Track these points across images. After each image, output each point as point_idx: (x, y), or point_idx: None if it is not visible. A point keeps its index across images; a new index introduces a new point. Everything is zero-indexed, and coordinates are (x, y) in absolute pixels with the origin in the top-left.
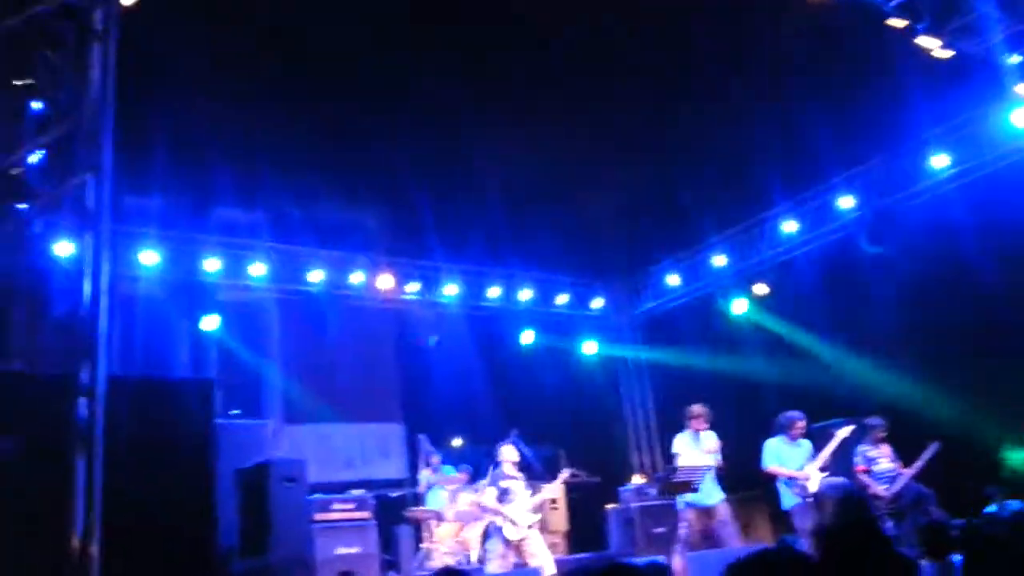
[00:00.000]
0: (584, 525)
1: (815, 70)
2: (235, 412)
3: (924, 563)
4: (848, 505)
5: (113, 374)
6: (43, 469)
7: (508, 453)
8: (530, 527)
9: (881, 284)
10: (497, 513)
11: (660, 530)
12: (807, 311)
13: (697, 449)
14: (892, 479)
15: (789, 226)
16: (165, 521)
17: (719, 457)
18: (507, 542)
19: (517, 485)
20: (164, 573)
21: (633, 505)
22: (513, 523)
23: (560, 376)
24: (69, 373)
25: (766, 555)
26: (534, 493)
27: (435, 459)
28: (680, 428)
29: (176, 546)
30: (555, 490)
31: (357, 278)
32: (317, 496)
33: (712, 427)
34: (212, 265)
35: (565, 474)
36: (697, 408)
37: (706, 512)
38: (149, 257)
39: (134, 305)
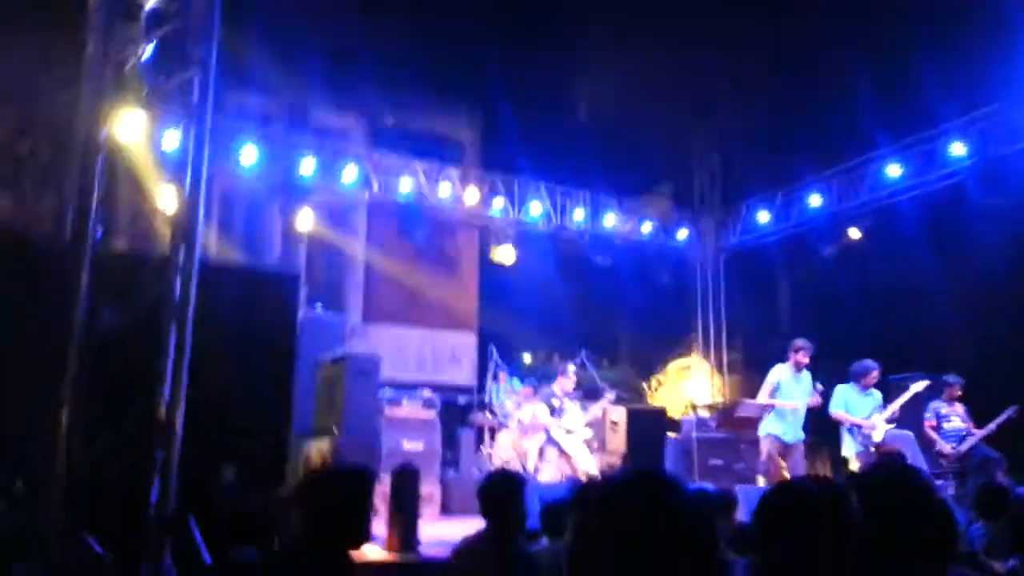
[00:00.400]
0: (643, 450)
1: (933, 16)
2: (319, 307)
3: (978, 524)
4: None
5: (207, 259)
6: (137, 342)
7: (565, 375)
8: (583, 441)
9: (988, 237)
10: (552, 426)
11: (717, 462)
12: (905, 259)
13: (795, 384)
14: (961, 438)
15: (893, 170)
16: (245, 400)
17: (815, 395)
18: (562, 453)
19: (568, 403)
20: (240, 447)
21: (693, 435)
22: (568, 432)
23: (638, 303)
24: (166, 255)
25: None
26: (586, 412)
27: (502, 373)
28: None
29: (253, 423)
30: (615, 412)
31: (445, 189)
32: (388, 392)
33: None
34: (307, 166)
35: (611, 396)
36: (801, 342)
37: (784, 447)
38: (249, 153)
39: (234, 199)
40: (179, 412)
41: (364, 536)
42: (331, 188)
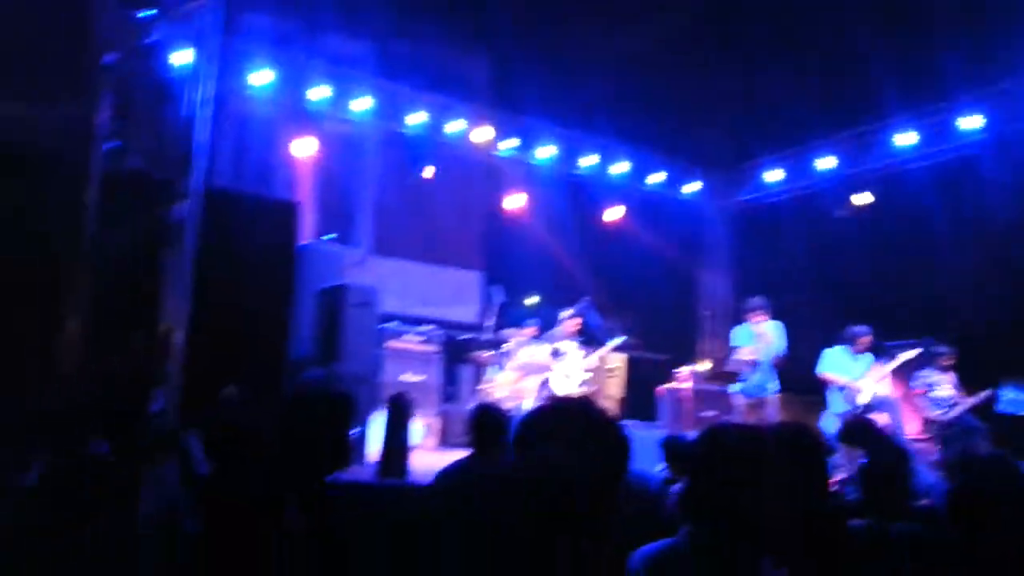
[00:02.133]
0: (640, 397)
1: None
2: (330, 236)
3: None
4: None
5: (211, 184)
6: (142, 260)
7: (569, 319)
8: (580, 386)
9: (998, 209)
10: (549, 368)
11: (709, 413)
12: (914, 227)
13: (752, 341)
14: (949, 406)
15: (905, 138)
16: (247, 322)
17: (778, 350)
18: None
19: (570, 347)
20: (242, 367)
21: (685, 386)
22: (566, 377)
23: (645, 253)
24: (171, 177)
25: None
26: (587, 356)
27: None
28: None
29: (254, 345)
30: (614, 358)
31: (456, 126)
32: (392, 325)
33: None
34: (320, 93)
35: (616, 341)
36: (754, 301)
37: (757, 402)
38: (262, 76)
39: (247, 123)
40: (179, 333)
41: (338, 461)
42: (342, 117)
